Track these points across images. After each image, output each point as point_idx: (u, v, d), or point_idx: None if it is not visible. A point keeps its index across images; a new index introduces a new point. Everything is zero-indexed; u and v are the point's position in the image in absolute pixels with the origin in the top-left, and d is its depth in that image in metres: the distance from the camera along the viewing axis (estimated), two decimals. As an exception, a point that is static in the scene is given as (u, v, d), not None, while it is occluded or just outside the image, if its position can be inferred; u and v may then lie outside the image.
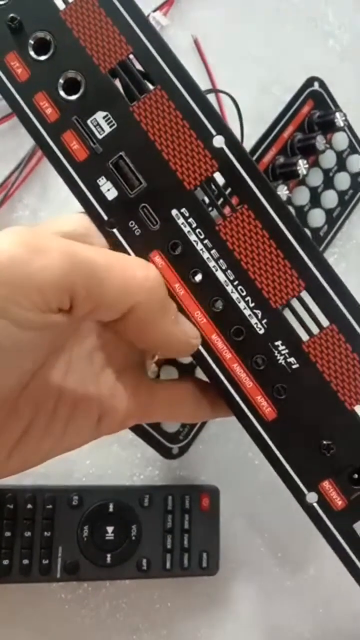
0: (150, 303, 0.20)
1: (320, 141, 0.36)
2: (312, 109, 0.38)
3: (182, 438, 0.36)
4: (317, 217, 0.38)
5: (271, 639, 0.37)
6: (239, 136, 0.37)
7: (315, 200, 0.38)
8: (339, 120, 0.36)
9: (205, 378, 0.24)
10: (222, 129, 0.21)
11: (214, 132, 0.21)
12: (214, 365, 0.23)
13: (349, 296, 0.22)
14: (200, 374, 0.34)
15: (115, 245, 0.22)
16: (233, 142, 0.21)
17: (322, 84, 0.38)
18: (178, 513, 0.35)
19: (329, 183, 0.39)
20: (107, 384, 0.23)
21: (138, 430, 0.34)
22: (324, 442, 0.22)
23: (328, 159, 0.39)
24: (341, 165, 0.39)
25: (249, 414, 0.23)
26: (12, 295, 0.17)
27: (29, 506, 0.33)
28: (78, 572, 0.33)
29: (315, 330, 0.22)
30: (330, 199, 0.39)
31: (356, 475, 0.23)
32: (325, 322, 0.22)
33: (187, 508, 0.35)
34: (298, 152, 0.36)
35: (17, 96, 0.22)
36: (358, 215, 0.41)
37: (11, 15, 0.21)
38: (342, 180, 0.39)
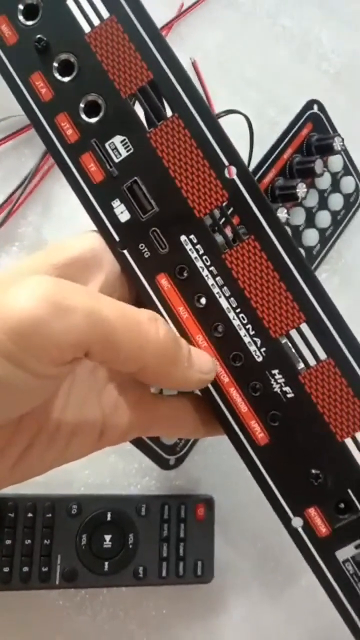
0: (164, 359, 0.21)
1: (319, 165, 0.36)
2: (311, 132, 0.39)
3: (179, 449, 0.36)
4: (311, 237, 0.39)
5: (264, 646, 0.38)
6: (247, 156, 0.38)
7: (310, 220, 0.39)
8: (337, 144, 0.38)
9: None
10: (235, 160, 0.22)
11: (226, 163, 0.22)
12: (211, 388, 0.23)
13: (347, 331, 0.22)
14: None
15: (125, 266, 0.23)
16: (244, 174, 0.22)
17: (321, 107, 0.39)
18: (174, 522, 0.36)
19: (323, 203, 0.40)
20: (110, 400, 0.23)
21: (137, 441, 0.35)
22: (313, 470, 0.23)
23: (324, 181, 0.40)
24: (335, 186, 0.40)
25: (242, 437, 0.23)
26: (32, 350, 0.17)
27: (29, 515, 0.34)
28: (76, 580, 0.34)
29: (312, 362, 0.22)
30: (324, 219, 0.40)
31: (342, 505, 0.23)
32: (322, 355, 0.22)
33: (183, 517, 0.36)
34: (296, 174, 0.37)
35: (40, 115, 0.22)
36: (349, 234, 0.43)
37: (39, 36, 0.22)
38: (336, 201, 0.40)
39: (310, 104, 0.39)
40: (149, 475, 0.38)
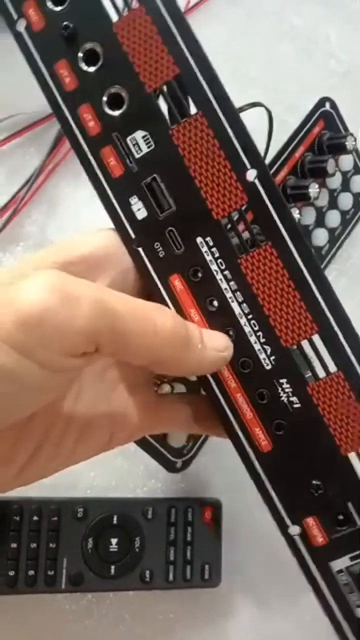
0: (174, 350, 0.20)
1: (331, 165, 0.36)
2: (323, 130, 0.38)
3: (186, 452, 0.36)
4: (320, 236, 0.39)
5: (271, 650, 0.38)
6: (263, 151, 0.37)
7: (320, 219, 0.39)
8: (350, 144, 0.37)
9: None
10: (258, 163, 0.21)
11: (248, 166, 0.21)
12: (217, 392, 0.23)
13: (358, 346, 0.22)
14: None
15: (138, 264, 0.22)
16: (266, 178, 0.21)
17: (333, 105, 0.39)
18: (181, 525, 0.35)
19: (333, 203, 0.39)
20: (119, 402, 0.23)
21: (143, 444, 0.35)
22: (314, 481, 0.23)
23: (335, 180, 0.39)
24: (345, 185, 0.40)
25: (245, 443, 0.23)
26: (40, 339, 0.17)
27: (35, 518, 0.34)
28: (82, 584, 0.34)
29: (322, 374, 0.22)
30: (333, 218, 0.39)
31: (341, 517, 0.23)
32: (332, 368, 0.22)
33: (190, 520, 0.36)
34: (308, 173, 0.36)
35: (63, 105, 0.22)
36: (357, 234, 0.42)
37: (65, 22, 0.21)
38: (346, 200, 0.40)
39: (322, 101, 0.38)
40: (155, 477, 0.38)
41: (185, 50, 0.21)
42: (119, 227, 0.22)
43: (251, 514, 0.38)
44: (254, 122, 0.38)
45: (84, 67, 0.22)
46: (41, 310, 0.17)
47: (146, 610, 0.37)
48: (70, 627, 0.36)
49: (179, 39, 0.21)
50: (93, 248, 0.22)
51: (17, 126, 0.38)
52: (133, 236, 0.22)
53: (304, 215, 0.38)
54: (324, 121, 0.38)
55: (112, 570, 0.34)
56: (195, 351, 0.21)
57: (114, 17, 0.21)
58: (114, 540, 0.34)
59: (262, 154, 0.36)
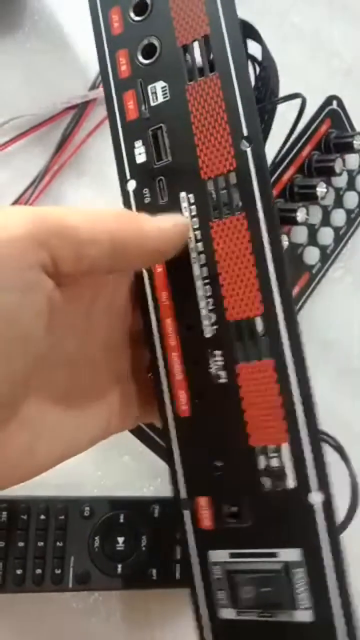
0: (126, 223, 0.20)
1: (339, 164, 0.36)
2: (329, 128, 0.38)
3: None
4: (326, 235, 0.39)
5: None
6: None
7: (325, 218, 0.39)
8: (357, 143, 0.37)
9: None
10: (254, 134, 0.22)
11: (245, 133, 0.22)
12: (157, 345, 0.23)
13: (296, 339, 0.21)
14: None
15: (126, 205, 0.24)
16: (258, 150, 0.22)
17: (340, 103, 0.39)
18: (187, 524, 0.36)
19: (339, 202, 0.40)
20: (118, 386, 0.24)
21: (148, 442, 0.35)
22: (217, 462, 0.22)
23: (341, 179, 0.39)
24: (351, 184, 0.40)
25: (167, 402, 0.23)
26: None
27: (42, 517, 0.34)
28: (89, 582, 0.34)
29: (254, 357, 0.22)
30: (339, 217, 0.39)
31: (234, 509, 0.22)
32: (265, 354, 0.22)
33: (196, 519, 0.36)
34: (315, 172, 0.36)
35: (106, 46, 0.24)
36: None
37: None
38: (351, 199, 0.40)
39: (329, 99, 0.38)
40: (161, 476, 0.38)
41: (220, 12, 0.22)
42: (119, 165, 0.24)
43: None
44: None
45: (133, 16, 0.24)
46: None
47: (153, 609, 0.37)
48: (77, 626, 0.36)
49: (218, 2, 0.22)
50: (80, 224, 0.20)
51: (22, 128, 0.38)
52: (128, 177, 0.24)
53: (311, 215, 0.38)
54: (331, 120, 0.38)
55: (119, 569, 0.34)
56: (150, 221, 0.21)
57: None
58: (120, 539, 0.35)
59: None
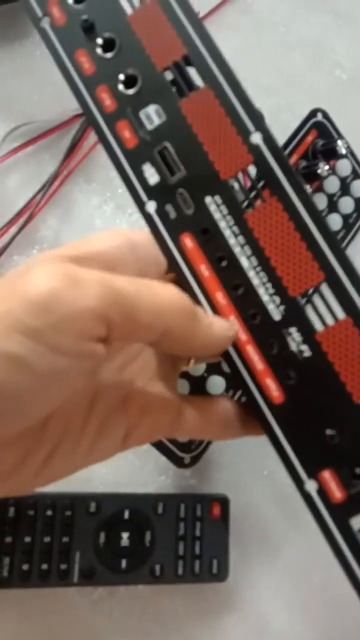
0: (183, 319, 0.21)
1: (322, 167, 0.37)
2: (316, 139, 0.40)
3: (194, 447, 0.37)
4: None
5: (278, 644, 0.39)
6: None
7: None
8: (341, 147, 0.38)
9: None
10: (261, 126, 0.23)
11: (252, 129, 0.23)
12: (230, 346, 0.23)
13: None
14: (210, 386, 0.36)
15: (151, 226, 0.24)
16: (269, 139, 0.23)
17: (325, 115, 0.41)
18: (190, 521, 0.36)
19: (333, 207, 0.41)
20: (135, 403, 0.23)
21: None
22: (328, 431, 0.22)
23: (332, 184, 0.41)
24: (345, 190, 0.41)
25: (257, 395, 0.23)
26: (49, 322, 0.17)
27: (49, 512, 0.35)
28: (94, 577, 0.34)
29: (330, 321, 0.22)
30: (334, 221, 0.41)
31: (359, 470, 0.22)
32: (341, 315, 0.22)
33: (199, 516, 0.36)
34: (302, 178, 0.38)
35: (82, 88, 0.24)
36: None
37: (85, 17, 0.24)
38: (346, 204, 0.41)
39: (314, 112, 0.40)
40: (165, 474, 0.39)
41: (192, 32, 0.23)
42: (132, 191, 0.24)
43: (258, 510, 0.39)
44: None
45: (102, 53, 0.24)
46: (47, 293, 0.17)
47: (155, 604, 0.37)
48: (81, 620, 0.36)
49: (186, 23, 0.23)
50: (105, 247, 0.22)
51: (32, 133, 0.39)
52: (145, 200, 0.24)
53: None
54: (317, 130, 0.40)
55: (124, 565, 0.35)
56: (204, 322, 0.22)
57: (129, 9, 0.24)
58: (125, 535, 0.35)
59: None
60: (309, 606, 0.39)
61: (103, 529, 0.35)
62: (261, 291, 0.23)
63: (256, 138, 0.23)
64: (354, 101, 0.46)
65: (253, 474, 0.39)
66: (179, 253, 0.24)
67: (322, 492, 0.22)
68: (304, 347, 0.23)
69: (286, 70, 0.46)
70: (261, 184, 0.23)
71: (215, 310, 0.23)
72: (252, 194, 0.23)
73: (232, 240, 0.23)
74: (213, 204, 0.23)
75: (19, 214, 0.38)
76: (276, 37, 0.46)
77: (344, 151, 0.39)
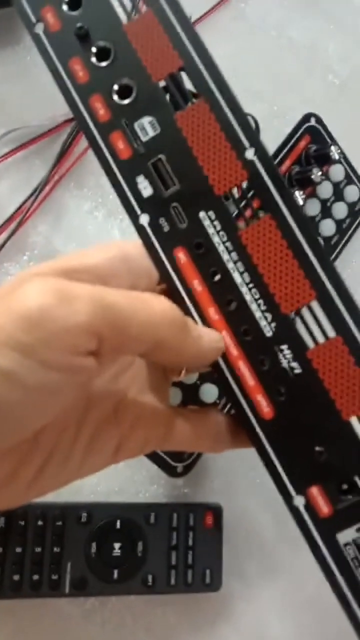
0: (174, 332, 0.21)
1: (316, 173, 0.37)
2: (309, 144, 0.40)
3: (187, 457, 0.37)
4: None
5: (272, 654, 0.38)
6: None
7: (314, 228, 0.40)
8: (334, 153, 0.39)
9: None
10: (255, 142, 0.23)
11: (247, 145, 0.23)
12: (220, 360, 0.23)
13: (356, 310, 0.23)
14: (202, 394, 0.36)
15: (144, 239, 0.24)
16: (264, 156, 0.23)
17: (319, 120, 0.40)
18: (182, 530, 0.36)
19: (326, 212, 0.41)
20: (126, 415, 0.23)
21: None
22: (317, 448, 0.23)
23: (325, 190, 0.41)
24: (338, 195, 0.41)
25: (247, 410, 0.23)
26: (40, 338, 0.17)
27: (40, 522, 0.34)
28: (86, 588, 0.34)
29: (321, 339, 0.23)
30: (328, 227, 0.41)
31: (345, 486, 0.23)
32: (331, 333, 0.22)
33: (192, 525, 0.36)
34: (295, 184, 0.38)
35: (75, 96, 0.24)
36: (356, 242, 0.43)
37: (79, 24, 0.24)
38: (340, 210, 0.41)
39: (307, 117, 0.40)
40: (157, 483, 0.38)
41: (189, 45, 0.23)
42: (126, 205, 0.24)
43: (251, 519, 0.39)
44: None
45: (96, 62, 0.24)
46: (38, 308, 0.17)
47: (148, 614, 0.37)
48: (73, 631, 0.36)
49: (182, 35, 0.23)
50: (98, 260, 0.22)
51: (23, 138, 0.39)
52: (139, 212, 0.24)
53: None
54: (310, 135, 0.40)
55: (115, 575, 0.34)
56: (194, 334, 0.22)
57: (124, 19, 0.24)
58: (117, 545, 0.35)
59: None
60: (302, 615, 0.38)
61: (94, 539, 0.35)
62: (253, 307, 0.23)
63: (251, 154, 0.23)
64: (347, 106, 0.46)
65: (246, 482, 0.39)
66: (171, 267, 0.24)
67: (310, 507, 0.23)
68: (295, 364, 0.23)
69: (279, 75, 0.46)
70: (255, 200, 0.23)
71: (208, 325, 0.23)
72: (246, 210, 0.23)
73: (225, 256, 0.23)
74: (207, 219, 0.23)
75: (9, 220, 0.38)
76: (269, 42, 0.46)
77: (337, 156, 0.39)
